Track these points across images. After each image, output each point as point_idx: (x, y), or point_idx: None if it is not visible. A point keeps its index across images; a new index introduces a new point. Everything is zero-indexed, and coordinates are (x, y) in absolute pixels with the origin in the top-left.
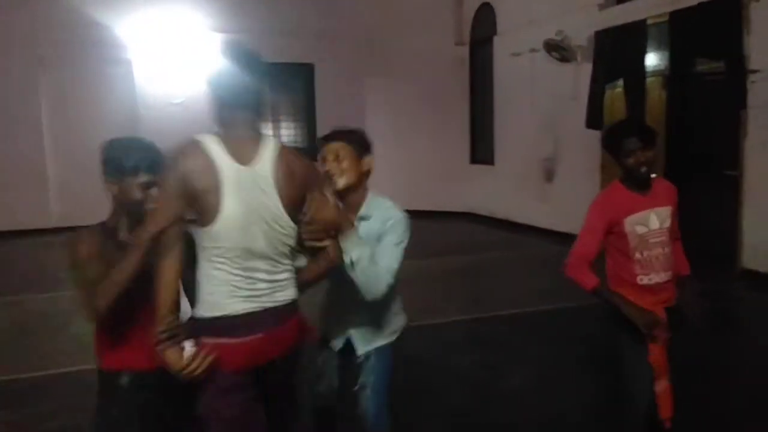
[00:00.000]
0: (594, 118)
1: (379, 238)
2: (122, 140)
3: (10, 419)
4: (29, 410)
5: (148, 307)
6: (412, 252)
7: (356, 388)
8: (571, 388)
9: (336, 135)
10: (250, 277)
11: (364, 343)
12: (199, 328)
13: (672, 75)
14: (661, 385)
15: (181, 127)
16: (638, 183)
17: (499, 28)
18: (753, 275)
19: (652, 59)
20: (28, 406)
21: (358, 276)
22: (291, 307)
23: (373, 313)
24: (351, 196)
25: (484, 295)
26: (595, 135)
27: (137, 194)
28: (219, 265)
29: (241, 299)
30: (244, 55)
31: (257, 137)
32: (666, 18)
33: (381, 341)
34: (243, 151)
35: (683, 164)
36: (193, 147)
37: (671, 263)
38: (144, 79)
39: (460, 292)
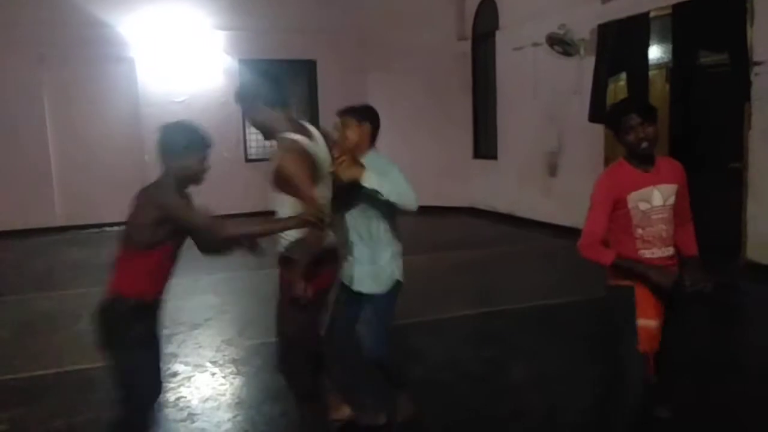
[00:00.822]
0: (597, 112)
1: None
2: (189, 123)
3: (14, 418)
4: (33, 409)
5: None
6: (415, 247)
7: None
8: (575, 382)
9: (342, 111)
10: None
11: (360, 283)
12: None
13: (675, 68)
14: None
15: None
16: (641, 159)
17: (502, 22)
18: (757, 267)
19: (655, 52)
20: (32, 405)
21: (391, 197)
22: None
23: (370, 257)
24: (357, 152)
25: (488, 290)
26: (599, 129)
27: (205, 166)
28: None
29: None
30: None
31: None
32: (669, 11)
33: (378, 287)
34: None
35: (687, 157)
36: None
37: (672, 240)
38: (146, 78)
39: (464, 287)
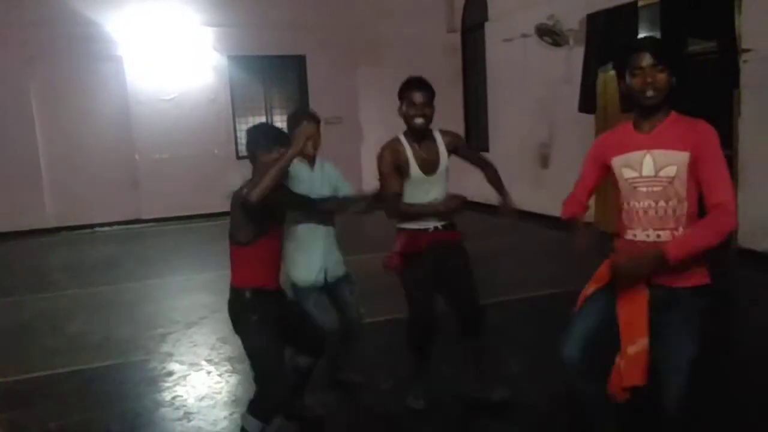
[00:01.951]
0: (587, 102)
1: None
2: (266, 124)
3: (11, 420)
4: (27, 411)
5: (272, 242)
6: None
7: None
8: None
9: (315, 117)
10: None
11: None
12: None
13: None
14: (630, 350)
15: (173, 123)
16: (642, 114)
17: (491, 14)
18: (749, 254)
19: None
20: (26, 407)
21: None
22: None
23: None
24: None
25: (481, 282)
26: (589, 119)
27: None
28: None
29: None
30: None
31: None
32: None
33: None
34: None
35: None
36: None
37: (665, 223)
38: (135, 76)
39: None
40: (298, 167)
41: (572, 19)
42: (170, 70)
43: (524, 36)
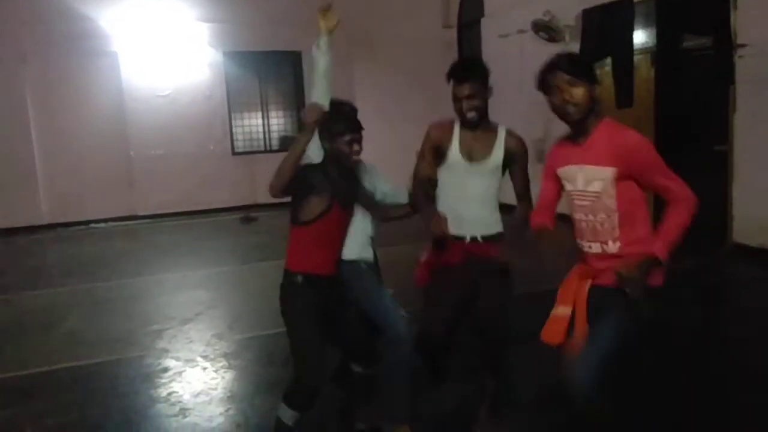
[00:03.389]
0: None
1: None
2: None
3: (6, 417)
4: (23, 408)
5: (331, 225)
6: (404, 237)
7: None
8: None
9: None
10: None
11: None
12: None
13: (660, 52)
14: (556, 310)
15: (168, 119)
16: (572, 128)
17: (487, 9)
18: (743, 249)
19: (639, 36)
20: (22, 404)
21: None
22: None
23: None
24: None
25: None
26: None
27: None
28: None
29: None
30: None
31: None
32: None
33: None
34: None
35: (672, 140)
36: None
37: (597, 236)
38: (130, 72)
39: None
40: None
41: (568, 15)
42: (165, 66)
43: (520, 32)
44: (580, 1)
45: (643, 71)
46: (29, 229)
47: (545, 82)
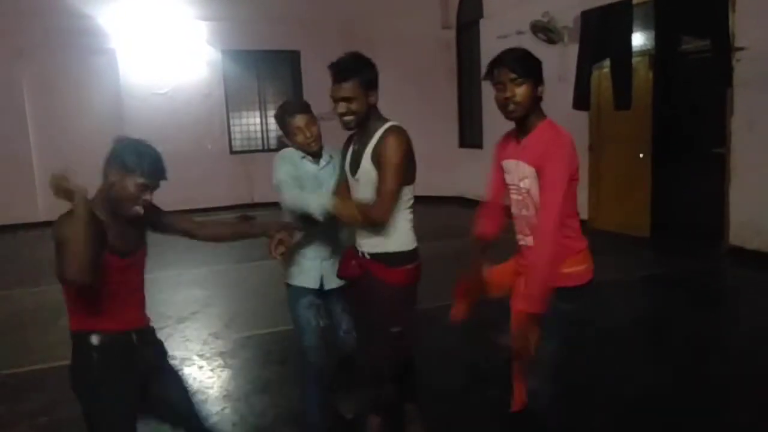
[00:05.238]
0: (581, 99)
1: None
2: (134, 141)
3: (3, 414)
4: (17, 405)
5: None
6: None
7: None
8: (568, 368)
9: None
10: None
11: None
12: (406, 255)
13: (658, 54)
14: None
15: (166, 117)
16: (515, 125)
17: (486, 10)
18: (740, 252)
19: (638, 39)
20: (16, 402)
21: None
22: None
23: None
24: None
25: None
26: (583, 116)
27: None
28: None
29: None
30: None
31: None
32: None
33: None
34: None
35: (670, 143)
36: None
37: (526, 230)
38: (128, 69)
39: (452, 276)
40: (301, 164)
41: (567, 16)
42: (164, 63)
43: (519, 33)
44: (579, 3)
45: (642, 73)
46: (25, 226)
47: (491, 74)
